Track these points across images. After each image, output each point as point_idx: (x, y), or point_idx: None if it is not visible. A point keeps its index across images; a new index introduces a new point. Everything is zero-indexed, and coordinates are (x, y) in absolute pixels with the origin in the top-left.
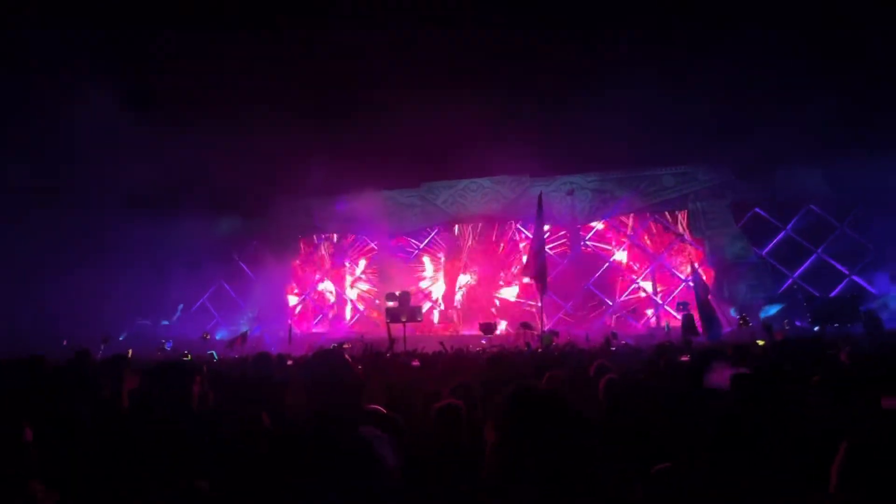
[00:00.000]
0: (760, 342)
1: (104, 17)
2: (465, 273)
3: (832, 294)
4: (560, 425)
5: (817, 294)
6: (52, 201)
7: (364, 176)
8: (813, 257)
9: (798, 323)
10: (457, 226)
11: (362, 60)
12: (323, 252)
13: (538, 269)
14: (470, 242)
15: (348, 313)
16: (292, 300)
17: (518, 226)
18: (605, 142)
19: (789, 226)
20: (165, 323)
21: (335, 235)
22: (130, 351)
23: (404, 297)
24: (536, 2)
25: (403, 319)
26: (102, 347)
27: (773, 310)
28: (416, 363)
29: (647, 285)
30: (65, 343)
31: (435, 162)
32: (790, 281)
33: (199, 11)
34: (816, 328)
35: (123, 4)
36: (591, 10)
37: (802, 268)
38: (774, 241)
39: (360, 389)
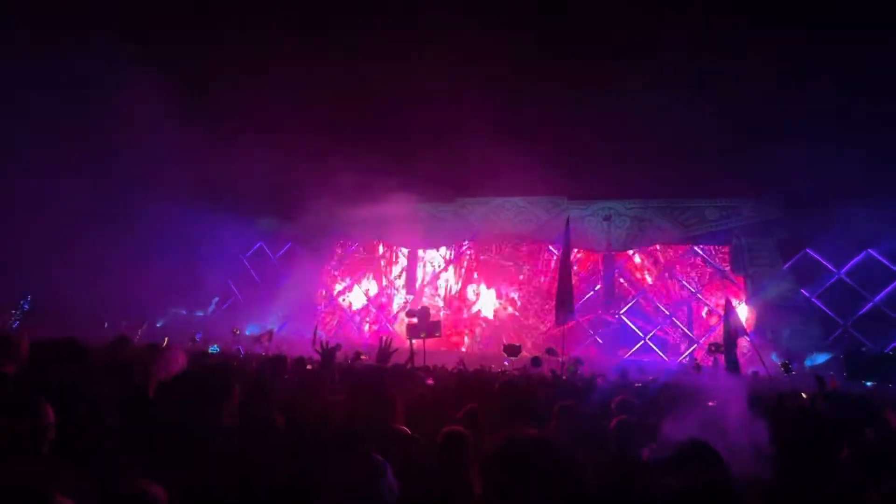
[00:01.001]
0: (804, 395)
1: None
2: (492, 290)
3: (888, 349)
4: (552, 485)
5: (870, 345)
6: (102, 189)
7: (400, 187)
8: (868, 306)
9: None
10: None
11: (408, 76)
12: (356, 257)
13: (561, 295)
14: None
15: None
16: (321, 303)
17: (550, 247)
18: (647, 169)
19: (843, 270)
20: (200, 314)
21: (366, 243)
22: (167, 339)
23: (424, 313)
24: (578, 27)
25: (423, 335)
26: (140, 332)
27: (820, 358)
28: (430, 381)
29: (682, 320)
30: (105, 325)
31: (471, 178)
32: (840, 329)
33: (249, 27)
34: (869, 384)
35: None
36: (639, 34)
37: (855, 316)
38: (826, 284)
39: (392, 410)
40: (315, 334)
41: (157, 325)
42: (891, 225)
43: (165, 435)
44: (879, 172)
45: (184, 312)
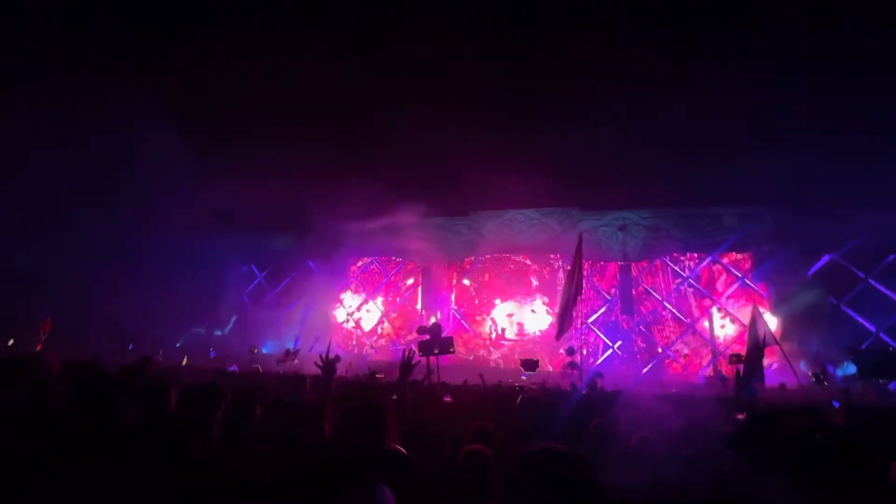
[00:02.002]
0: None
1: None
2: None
3: None
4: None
5: None
6: (118, 217)
7: (413, 201)
8: None
9: (892, 386)
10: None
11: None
12: (371, 274)
13: (562, 310)
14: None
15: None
16: (340, 317)
17: (560, 260)
18: (661, 176)
19: (872, 274)
20: (218, 333)
21: (381, 258)
22: (186, 358)
23: (436, 329)
24: (587, 36)
25: (436, 352)
26: (161, 352)
27: (852, 368)
28: (448, 399)
29: (705, 330)
30: (130, 348)
31: (482, 190)
32: (872, 337)
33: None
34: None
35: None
36: (648, 43)
37: (889, 322)
38: (854, 290)
39: (384, 430)
40: (328, 351)
41: (177, 346)
42: None
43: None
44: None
45: (203, 332)
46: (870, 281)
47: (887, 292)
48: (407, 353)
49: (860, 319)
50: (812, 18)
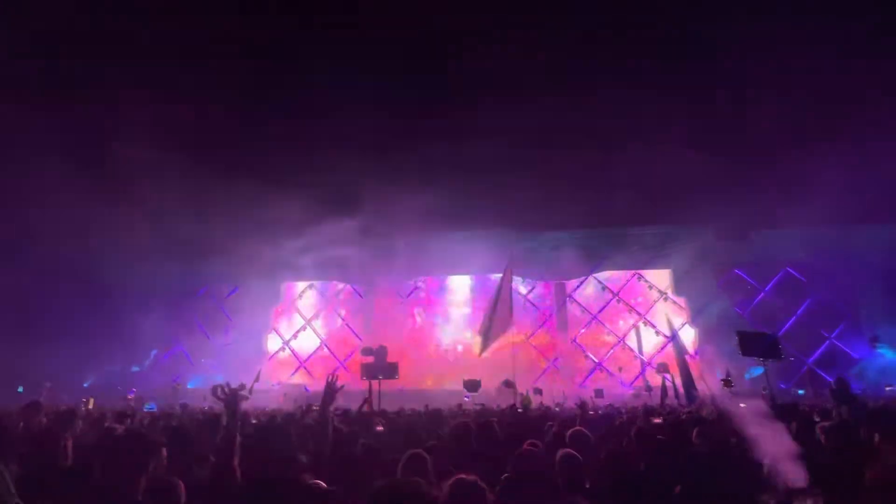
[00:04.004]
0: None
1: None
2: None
3: (811, 359)
4: None
5: (799, 356)
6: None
7: (349, 224)
8: (792, 320)
9: (782, 385)
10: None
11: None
12: (306, 299)
13: (485, 325)
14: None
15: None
16: (273, 346)
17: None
18: (592, 199)
19: (767, 287)
20: (136, 369)
21: (318, 283)
22: (92, 400)
23: (381, 352)
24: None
25: (379, 377)
26: (65, 396)
27: (757, 371)
28: (379, 428)
29: (633, 343)
30: (20, 391)
31: (431, 212)
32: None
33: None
34: (801, 391)
35: None
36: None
37: (783, 329)
38: (754, 302)
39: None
40: (255, 381)
41: (84, 386)
42: (803, 245)
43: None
44: (793, 202)
45: (117, 369)
46: (767, 293)
47: (780, 303)
48: (331, 377)
49: (760, 329)
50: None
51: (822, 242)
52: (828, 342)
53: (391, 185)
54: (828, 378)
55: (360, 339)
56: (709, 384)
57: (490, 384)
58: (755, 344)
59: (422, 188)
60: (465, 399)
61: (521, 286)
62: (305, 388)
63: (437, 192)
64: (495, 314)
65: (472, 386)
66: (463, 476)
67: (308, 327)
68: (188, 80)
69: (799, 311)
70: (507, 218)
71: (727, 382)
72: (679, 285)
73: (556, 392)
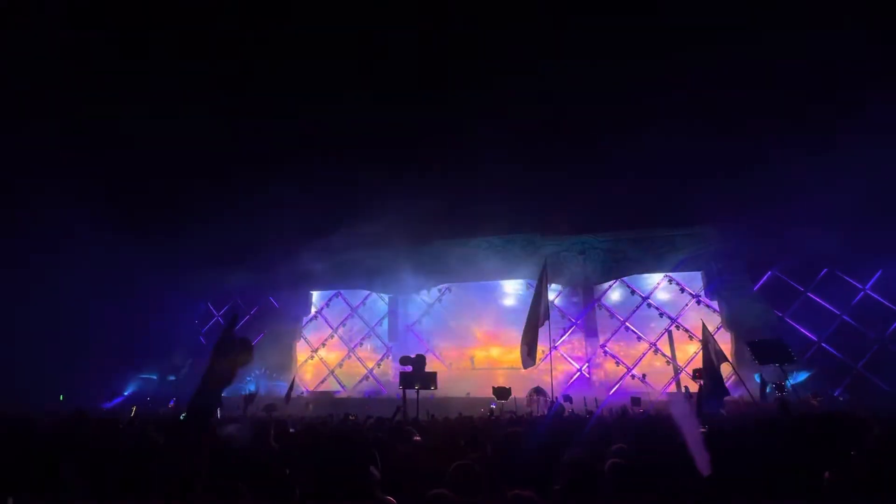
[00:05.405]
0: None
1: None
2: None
3: (859, 364)
4: None
5: (844, 359)
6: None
7: (375, 232)
8: (837, 322)
9: (836, 393)
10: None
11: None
12: (337, 309)
13: (530, 337)
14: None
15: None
16: (301, 357)
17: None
18: (617, 201)
19: (809, 287)
20: (172, 378)
21: (344, 291)
22: (134, 409)
23: (419, 362)
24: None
25: (417, 387)
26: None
27: (801, 377)
28: (417, 438)
29: (666, 348)
30: (61, 398)
31: (447, 221)
32: (815, 346)
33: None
34: (841, 398)
35: None
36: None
37: (828, 331)
38: (795, 303)
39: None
40: (290, 391)
41: (125, 394)
42: (844, 244)
43: None
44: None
45: (154, 378)
46: (809, 294)
47: (825, 304)
48: (398, 410)
49: (803, 331)
50: None
51: (864, 238)
52: (877, 345)
53: (415, 192)
54: (881, 384)
55: (387, 346)
56: (749, 390)
57: (518, 393)
58: (769, 351)
59: (443, 195)
60: (492, 406)
61: (549, 292)
62: (335, 393)
63: (461, 197)
64: (537, 321)
65: (502, 394)
66: (518, 492)
67: (334, 335)
68: None
69: (844, 314)
70: (532, 223)
71: (765, 387)
72: (711, 287)
73: (588, 400)
